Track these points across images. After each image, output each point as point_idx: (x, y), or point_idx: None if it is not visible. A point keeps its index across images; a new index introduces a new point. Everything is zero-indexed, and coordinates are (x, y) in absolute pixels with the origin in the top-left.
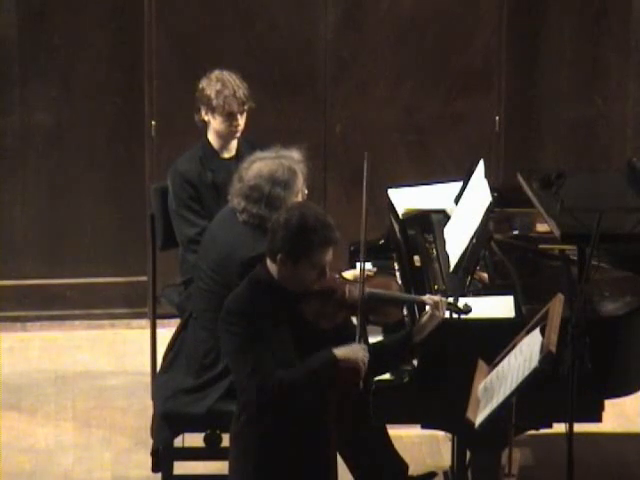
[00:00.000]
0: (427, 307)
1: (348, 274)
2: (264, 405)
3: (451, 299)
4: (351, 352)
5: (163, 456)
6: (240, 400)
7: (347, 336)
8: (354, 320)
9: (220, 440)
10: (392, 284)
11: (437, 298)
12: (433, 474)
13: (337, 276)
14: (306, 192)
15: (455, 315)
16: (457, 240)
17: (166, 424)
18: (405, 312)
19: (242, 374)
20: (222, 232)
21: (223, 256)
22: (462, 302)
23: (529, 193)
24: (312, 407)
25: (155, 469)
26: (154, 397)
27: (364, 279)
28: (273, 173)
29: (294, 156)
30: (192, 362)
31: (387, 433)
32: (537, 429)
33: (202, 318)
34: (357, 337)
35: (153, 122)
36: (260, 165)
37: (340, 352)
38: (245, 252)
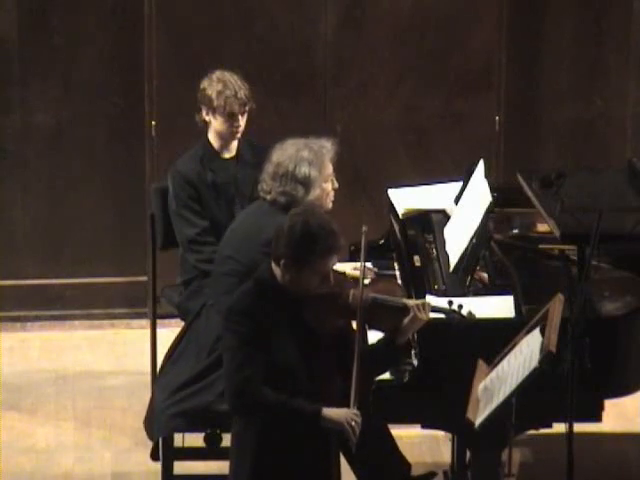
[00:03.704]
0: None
1: (347, 267)
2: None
3: (455, 306)
4: (337, 414)
5: (163, 455)
6: None
7: (348, 340)
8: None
9: (220, 440)
10: (396, 289)
11: (419, 302)
12: (433, 474)
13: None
14: (337, 185)
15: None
16: (457, 240)
17: (174, 417)
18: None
19: (228, 370)
20: (248, 217)
21: (249, 236)
22: (466, 309)
23: (529, 193)
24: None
25: (155, 457)
26: (157, 391)
27: (362, 289)
28: (299, 152)
29: (324, 143)
30: (202, 349)
31: (390, 433)
32: (537, 429)
33: (218, 302)
34: (354, 367)
35: (153, 122)
36: (287, 146)
37: (328, 411)
38: (272, 232)
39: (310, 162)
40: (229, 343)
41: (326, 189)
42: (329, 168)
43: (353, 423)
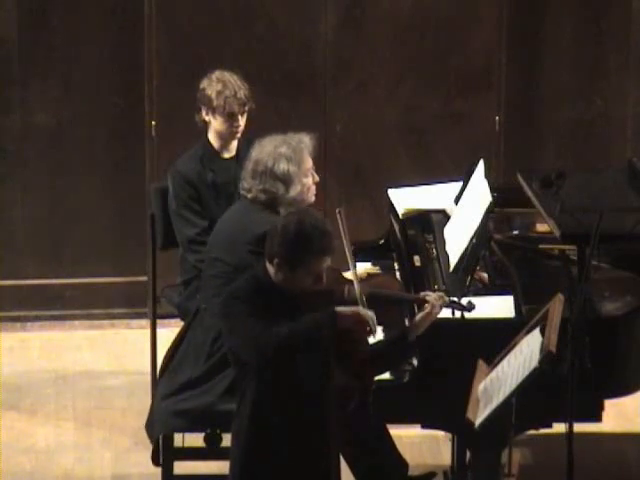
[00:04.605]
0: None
1: (348, 274)
2: (263, 398)
3: (455, 297)
4: (351, 309)
5: (163, 455)
6: (239, 397)
7: (347, 337)
8: None
9: (220, 440)
10: (394, 283)
11: (434, 295)
12: (433, 474)
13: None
14: (317, 178)
15: (459, 313)
16: (457, 240)
17: (173, 417)
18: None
19: (242, 341)
20: (231, 217)
21: (235, 236)
22: (465, 300)
23: (529, 193)
24: (312, 401)
25: (155, 461)
26: (157, 392)
27: (359, 280)
28: (277, 148)
29: (303, 138)
30: (200, 352)
31: (388, 432)
32: (537, 429)
33: (211, 305)
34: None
35: (153, 122)
36: (265, 143)
37: (341, 309)
38: (257, 229)
39: (288, 158)
40: (232, 324)
41: (306, 183)
42: (308, 162)
43: (370, 313)
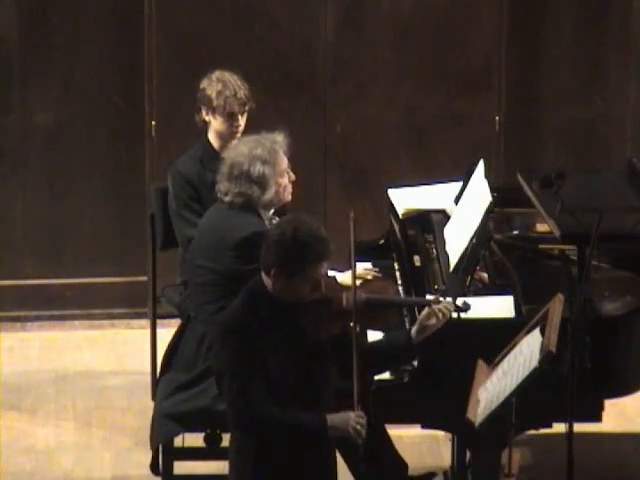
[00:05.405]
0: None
1: (346, 277)
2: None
3: (449, 298)
4: (342, 421)
5: (163, 455)
6: None
7: (347, 344)
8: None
9: (220, 440)
10: (389, 288)
11: (442, 305)
12: (433, 474)
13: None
14: (293, 177)
15: (455, 314)
16: (457, 240)
17: (170, 421)
18: (405, 313)
19: (228, 395)
20: (210, 223)
21: (216, 242)
22: (460, 300)
23: (529, 193)
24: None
25: (155, 471)
26: (155, 397)
27: (356, 288)
28: (252, 150)
29: (276, 138)
30: (194, 359)
31: (387, 433)
32: (537, 429)
33: (201, 312)
34: (354, 369)
35: (153, 122)
36: (239, 144)
37: (332, 419)
38: (237, 233)
39: (263, 160)
40: (223, 365)
41: (282, 183)
42: (283, 163)
43: (358, 427)
